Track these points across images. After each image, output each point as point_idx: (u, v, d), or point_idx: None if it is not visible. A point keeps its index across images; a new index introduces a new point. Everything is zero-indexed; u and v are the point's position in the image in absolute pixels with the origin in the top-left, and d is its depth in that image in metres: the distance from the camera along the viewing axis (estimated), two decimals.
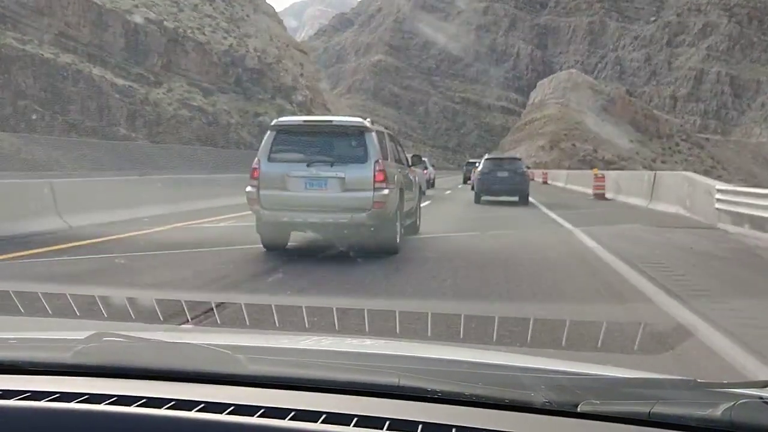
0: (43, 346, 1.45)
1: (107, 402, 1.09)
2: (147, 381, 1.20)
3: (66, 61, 56.14)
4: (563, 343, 2.83)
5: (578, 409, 1.07)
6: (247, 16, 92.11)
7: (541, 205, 18.54)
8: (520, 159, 21.03)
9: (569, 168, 78.78)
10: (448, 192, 29.60)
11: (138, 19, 67.92)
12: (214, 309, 3.91)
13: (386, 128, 9.60)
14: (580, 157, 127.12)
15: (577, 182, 32.92)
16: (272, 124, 8.40)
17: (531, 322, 3.36)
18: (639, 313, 5.22)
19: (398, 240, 8.29)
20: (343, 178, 7.72)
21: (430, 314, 3.52)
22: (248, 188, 7.97)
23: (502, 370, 1.37)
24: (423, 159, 16.35)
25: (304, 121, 8.93)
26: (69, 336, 1.46)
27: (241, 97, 74.91)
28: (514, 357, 1.62)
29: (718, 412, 1.01)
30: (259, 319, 3.43)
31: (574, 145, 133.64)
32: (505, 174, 19.07)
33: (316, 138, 8.12)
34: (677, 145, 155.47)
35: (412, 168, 11.00)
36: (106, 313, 3.00)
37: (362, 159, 7.78)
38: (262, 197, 7.85)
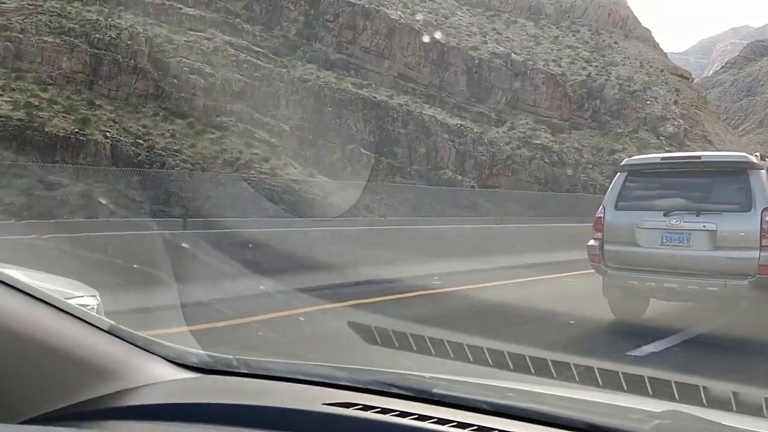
0: (616, 414, 1.35)
1: None
2: None
3: (398, 103, 54.01)
4: None
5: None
6: (615, 43, 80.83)
7: None
8: None
9: None
10: None
11: (483, 54, 63.42)
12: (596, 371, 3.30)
13: None
14: None
15: None
16: (622, 164, 7.18)
17: None
18: None
19: None
20: (714, 232, 6.06)
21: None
22: (590, 242, 6.80)
23: None
24: None
25: (663, 158, 7.53)
26: (638, 406, 1.41)
27: (596, 133, 63.87)
28: None
29: None
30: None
31: None
32: None
33: (678, 180, 6.64)
34: None
35: None
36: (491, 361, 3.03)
37: (743, 207, 5.99)
38: (606, 253, 6.58)
